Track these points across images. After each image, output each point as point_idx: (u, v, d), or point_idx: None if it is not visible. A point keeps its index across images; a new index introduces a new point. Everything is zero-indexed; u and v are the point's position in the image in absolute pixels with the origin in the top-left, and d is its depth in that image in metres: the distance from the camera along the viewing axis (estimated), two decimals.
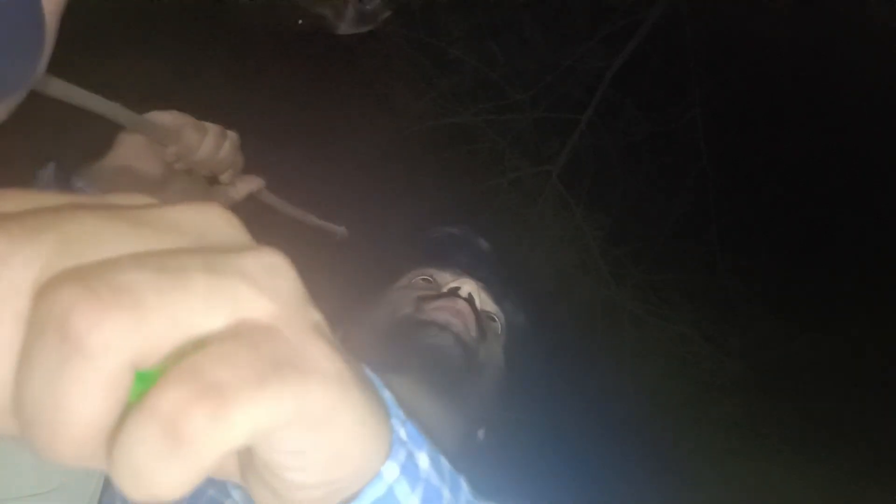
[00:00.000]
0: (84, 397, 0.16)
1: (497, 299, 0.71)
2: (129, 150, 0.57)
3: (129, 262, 0.17)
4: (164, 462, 0.16)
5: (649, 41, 2.53)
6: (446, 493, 0.27)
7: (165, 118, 0.57)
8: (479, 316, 0.65)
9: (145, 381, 0.17)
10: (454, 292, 0.65)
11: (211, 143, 0.59)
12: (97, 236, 0.17)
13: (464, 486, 0.29)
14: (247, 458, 0.21)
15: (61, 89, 0.45)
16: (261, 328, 0.18)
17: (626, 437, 2.48)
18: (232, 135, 0.61)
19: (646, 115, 2.67)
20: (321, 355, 0.19)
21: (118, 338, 0.16)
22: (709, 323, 2.67)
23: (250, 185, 0.64)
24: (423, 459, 0.26)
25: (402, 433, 0.25)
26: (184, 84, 2.13)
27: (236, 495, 0.28)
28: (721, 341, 2.70)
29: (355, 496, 0.23)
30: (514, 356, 0.71)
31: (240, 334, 0.18)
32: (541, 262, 2.59)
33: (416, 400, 0.58)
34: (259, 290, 0.18)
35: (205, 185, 0.63)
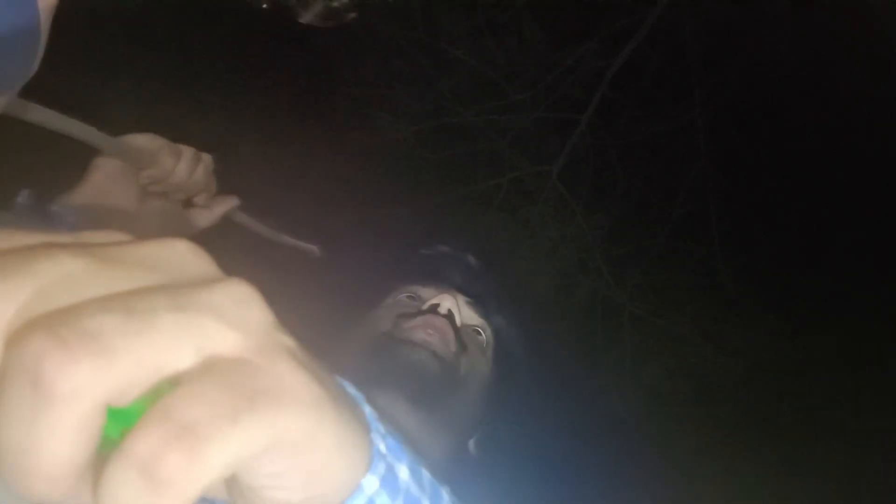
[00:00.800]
0: (56, 440, 0.16)
1: (485, 314, 0.71)
2: (105, 175, 0.57)
3: (96, 306, 0.17)
4: (146, 501, 0.17)
5: (649, 41, 2.53)
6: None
7: (140, 141, 0.57)
8: (459, 331, 0.66)
9: (123, 418, 0.18)
10: (433, 309, 0.66)
11: (185, 166, 0.59)
12: (71, 277, 0.18)
13: (445, 496, 0.30)
14: (231, 478, 0.22)
15: (36, 113, 0.45)
16: (231, 361, 0.19)
17: (626, 437, 2.48)
18: (206, 157, 0.62)
19: (646, 115, 2.67)
20: (294, 381, 0.20)
21: (87, 382, 0.16)
22: (709, 323, 2.67)
23: (224, 205, 0.65)
24: (404, 471, 0.27)
25: (382, 447, 0.26)
26: (178, 90, 2.13)
27: None
28: (721, 341, 2.70)
29: None
30: (506, 368, 0.72)
31: (211, 369, 0.18)
32: (541, 262, 2.59)
33: (401, 415, 0.59)
34: (227, 323, 0.19)
35: (179, 207, 0.63)
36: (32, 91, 0.38)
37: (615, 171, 2.70)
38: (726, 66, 2.63)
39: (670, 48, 2.58)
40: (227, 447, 0.17)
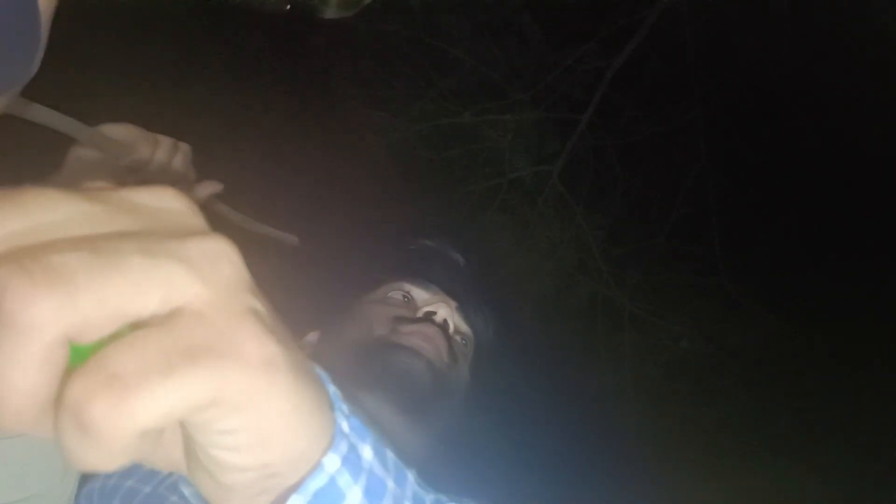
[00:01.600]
0: (18, 370, 0.17)
1: (469, 318, 0.72)
2: (80, 164, 0.57)
3: (66, 244, 0.18)
4: (81, 445, 0.17)
5: (649, 41, 2.53)
6: (391, 484, 0.28)
7: (117, 131, 0.57)
8: (452, 342, 0.67)
9: (85, 357, 0.18)
10: (429, 317, 0.67)
11: (163, 155, 0.59)
12: (53, 202, 0.18)
13: (410, 477, 0.30)
14: (189, 444, 0.22)
15: (12, 103, 0.45)
16: (190, 313, 0.19)
17: (626, 436, 2.48)
18: (184, 146, 0.62)
19: (646, 115, 2.67)
20: (249, 339, 0.20)
21: (48, 315, 0.17)
22: (709, 323, 2.67)
23: (203, 192, 0.65)
24: (367, 451, 0.26)
25: (345, 426, 0.25)
26: (177, 89, 2.13)
27: (186, 492, 0.28)
28: (721, 341, 2.69)
29: (296, 488, 0.23)
30: (480, 371, 0.73)
31: (166, 321, 0.19)
32: (541, 262, 2.59)
33: (387, 417, 0.60)
34: (195, 275, 0.19)
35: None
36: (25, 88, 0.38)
37: (615, 171, 2.70)
38: (726, 66, 2.63)
39: (670, 48, 2.58)
40: (158, 399, 0.18)
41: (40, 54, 0.34)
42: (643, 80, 2.62)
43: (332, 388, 0.26)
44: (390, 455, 0.29)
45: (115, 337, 0.18)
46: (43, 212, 0.18)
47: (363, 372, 0.62)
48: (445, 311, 0.68)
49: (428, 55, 2.54)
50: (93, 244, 0.18)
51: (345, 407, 0.26)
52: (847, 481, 2.49)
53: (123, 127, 0.57)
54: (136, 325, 0.19)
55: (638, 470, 2.34)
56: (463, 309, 0.72)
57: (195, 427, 0.20)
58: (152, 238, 0.19)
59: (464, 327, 0.72)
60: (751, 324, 2.69)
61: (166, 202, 0.21)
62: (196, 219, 0.22)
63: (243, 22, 2.33)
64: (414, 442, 0.62)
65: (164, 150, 0.59)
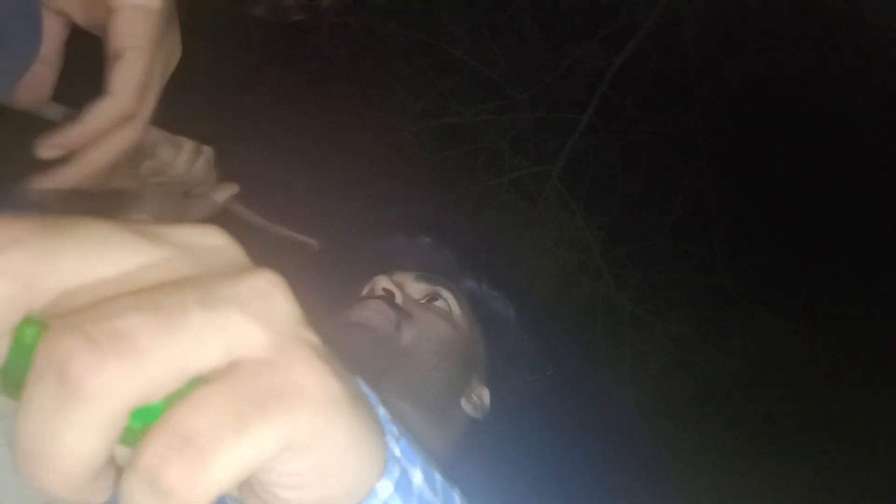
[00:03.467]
0: (79, 438, 0.16)
1: (441, 281, 0.74)
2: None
3: (126, 303, 0.17)
4: None
5: (649, 41, 2.53)
6: None
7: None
8: (399, 305, 0.68)
9: (149, 416, 0.18)
10: (370, 294, 0.69)
11: (185, 158, 0.58)
12: (107, 239, 0.18)
13: (457, 499, 0.30)
14: (246, 479, 0.22)
15: (52, 111, 0.44)
16: (252, 362, 0.19)
17: (626, 437, 2.48)
18: (207, 150, 0.61)
19: (646, 115, 2.67)
20: (312, 379, 0.20)
21: (115, 383, 0.16)
22: (709, 323, 2.67)
23: (223, 194, 0.65)
24: (417, 476, 0.27)
25: (397, 450, 0.26)
26: (176, 89, 2.13)
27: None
28: (721, 341, 2.69)
29: None
30: (492, 326, 0.75)
31: (229, 372, 0.18)
32: (541, 262, 2.59)
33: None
34: (252, 319, 0.19)
35: (179, 199, 0.63)
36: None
37: (615, 171, 2.70)
38: (726, 66, 2.63)
39: (670, 48, 2.58)
40: (234, 456, 0.17)
41: (40, 49, 0.34)
42: (643, 80, 2.62)
43: (382, 411, 0.26)
44: (438, 477, 0.29)
45: (179, 394, 0.18)
46: (99, 258, 0.18)
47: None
48: (384, 282, 0.69)
49: (428, 55, 2.54)
50: (155, 302, 0.18)
51: (395, 429, 0.26)
52: (848, 481, 2.49)
53: (145, 129, 0.57)
54: (198, 380, 0.18)
55: (638, 469, 2.34)
56: (429, 276, 0.74)
57: (261, 471, 0.20)
58: (206, 284, 0.19)
59: (426, 289, 0.73)
60: (751, 324, 2.69)
61: (211, 240, 0.21)
62: (240, 254, 0.21)
63: (244, 23, 2.33)
64: (413, 414, 0.63)
65: (186, 152, 0.59)
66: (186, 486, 0.17)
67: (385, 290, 0.69)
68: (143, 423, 0.18)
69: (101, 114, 0.36)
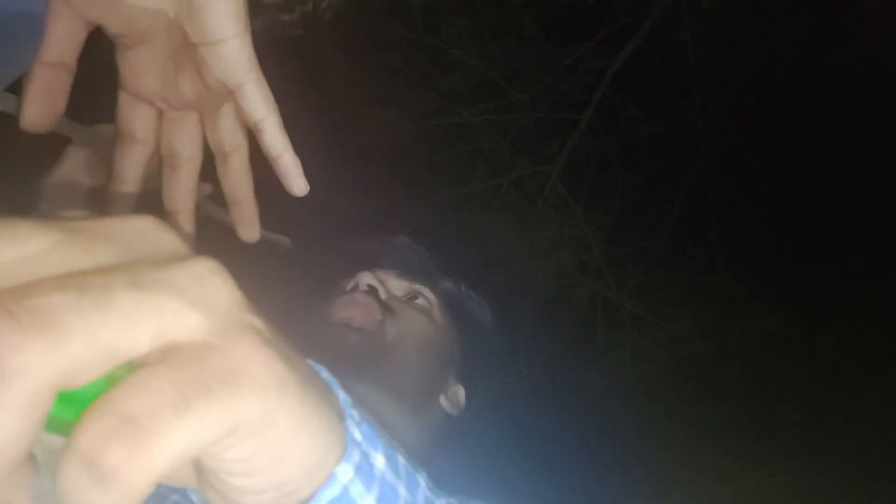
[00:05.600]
0: (1, 419, 0.16)
1: (421, 279, 0.75)
2: (77, 164, 0.56)
3: (50, 283, 0.17)
4: (94, 494, 0.16)
5: (649, 41, 2.53)
6: (403, 492, 0.27)
7: (113, 130, 0.57)
8: (383, 301, 0.69)
9: (75, 402, 0.17)
10: (354, 289, 0.70)
11: (157, 156, 0.59)
12: (29, 235, 0.18)
13: (422, 482, 0.29)
14: (198, 465, 0.21)
15: (4, 101, 0.44)
16: (190, 345, 0.18)
17: (626, 436, 2.48)
18: None
19: (646, 115, 2.67)
20: (255, 362, 0.19)
21: (36, 360, 0.16)
22: (709, 323, 2.67)
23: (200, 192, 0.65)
24: (379, 459, 0.26)
25: (357, 434, 0.25)
26: None
27: (196, 499, 0.28)
28: (721, 341, 2.69)
29: (310, 498, 0.23)
30: (468, 327, 0.77)
31: (167, 355, 0.18)
32: (541, 261, 2.59)
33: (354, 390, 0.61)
34: (188, 303, 0.18)
35: (154, 196, 0.63)
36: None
37: (615, 171, 2.70)
38: (727, 66, 2.63)
39: (670, 48, 2.58)
40: (176, 438, 0.17)
41: (37, 49, 0.34)
42: (643, 80, 2.62)
43: (342, 395, 0.26)
44: (401, 460, 0.28)
45: (109, 380, 0.17)
46: (18, 245, 0.17)
47: (308, 354, 0.63)
48: (368, 278, 0.70)
49: (428, 55, 2.54)
50: (80, 282, 0.17)
51: (355, 413, 0.26)
52: (848, 481, 2.49)
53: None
54: (132, 365, 0.18)
55: (638, 470, 2.34)
56: (409, 274, 0.75)
57: (209, 457, 0.20)
58: (138, 269, 0.18)
59: (406, 286, 0.74)
60: (751, 324, 2.69)
61: (146, 229, 0.20)
62: (179, 244, 0.21)
63: None
64: (392, 410, 0.63)
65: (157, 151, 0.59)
66: (128, 467, 0.16)
67: (370, 285, 0.70)
68: (75, 414, 0.17)
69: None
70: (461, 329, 0.75)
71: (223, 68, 0.36)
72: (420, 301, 0.73)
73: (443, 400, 0.71)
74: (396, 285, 0.73)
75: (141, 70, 0.38)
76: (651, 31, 2.49)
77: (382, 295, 0.69)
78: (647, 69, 2.62)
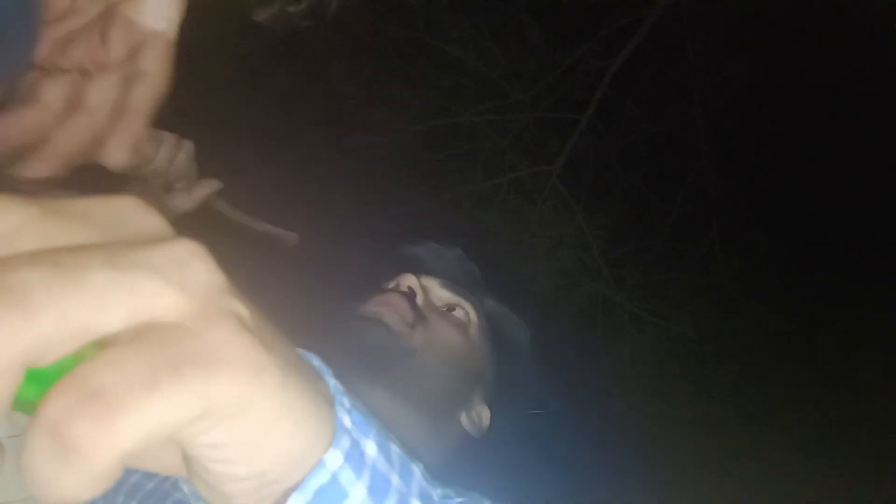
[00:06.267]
0: None
1: (464, 293, 0.73)
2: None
3: (23, 259, 0.17)
4: (58, 468, 0.16)
5: (649, 41, 2.53)
6: (395, 480, 0.27)
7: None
8: (418, 306, 0.67)
9: (43, 383, 0.17)
10: (395, 289, 0.68)
11: (166, 153, 0.58)
12: (4, 211, 0.17)
13: (416, 472, 0.29)
14: (185, 454, 0.21)
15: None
16: (166, 325, 0.18)
17: (626, 437, 2.48)
18: (188, 144, 0.61)
19: (646, 115, 2.67)
20: (232, 348, 0.19)
21: (5, 336, 0.16)
22: (709, 323, 2.67)
23: (204, 189, 0.64)
24: (370, 447, 0.26)
25: (347, 421, 0.25)
26: (176, 89, 2.13)
27: (185, 489, 0.28)
28: (721, 341, 2.70)
29: (298, 485, 0.23)
30: (504, 352, 0.74)
31: (140, 335, 0.18)
32: (541, 262, 2.59)
33: (364, 392, 0.59)
34: (165, 284, 0.18)
35: (160, 193, 0.63)
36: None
37: (615, 171, 2.71)
38: (726, 66, 2.63)
39: (670, 48, 2.58)
40: (142, 416, 0.17)
41: (39, 42, 0.34)
42: (643, 80, 2.63)
43: (332, 382, 0.26)
44: (395, 449, 0.28)
45: (78, 358, 0.17)
46: None
47: (326, 350, 0.62)
48: (410, 281, 0.68)
49: (428, 55, 2.54)
50: (53, 258, 0.17)
51: (346, 401, 0.26)
52: (847, 477, 2.49)
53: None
54: (102, 345, 0.17)
55: (638, 468, 2.34)
56: (455, 285, 0.73)
57: (186, 442, 0.19)
58: (115, 248, 0.18)
59: (449, 297, 0.72)
60: (751, 323, 2.69)
61: (130, 210, 0.20)
62: (160, 224, 0.21)
63: (243, 23, 2.33)
64: (407, 417, 0.62)
65: (167, 147, 0.59)
66: (93, 442, 0.16)
67: (409, 287, 0.68)
68: (42, 394, 0.17)
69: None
70: (497, 351, 0.73)
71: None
72: (457, 313, 0.72)
73: (464, 418, 0.69)
74: (439, 294, 0.71)
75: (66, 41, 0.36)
76: (651, 31, 2.49)
77: (419, 300, 0.68)
78: (647, 69, 2.62)
